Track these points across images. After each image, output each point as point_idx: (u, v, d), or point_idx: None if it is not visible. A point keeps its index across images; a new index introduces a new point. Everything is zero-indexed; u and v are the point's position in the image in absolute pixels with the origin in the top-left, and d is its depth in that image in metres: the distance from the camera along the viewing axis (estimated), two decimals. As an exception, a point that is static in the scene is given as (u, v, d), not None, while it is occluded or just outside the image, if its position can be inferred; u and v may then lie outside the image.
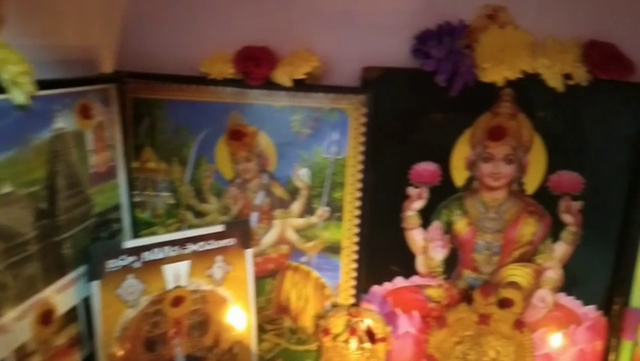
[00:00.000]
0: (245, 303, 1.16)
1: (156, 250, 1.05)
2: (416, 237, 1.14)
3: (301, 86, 1.08)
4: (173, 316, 1.08)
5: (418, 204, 1.13)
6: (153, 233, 1.17)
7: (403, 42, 1.07)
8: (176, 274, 1.07)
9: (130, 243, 1.02)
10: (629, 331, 1.06)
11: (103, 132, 1.04)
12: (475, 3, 1.06)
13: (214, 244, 1.11)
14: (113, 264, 1.00)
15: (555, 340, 1.13)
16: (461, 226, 1.12)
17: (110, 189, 1.08)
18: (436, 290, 1.16)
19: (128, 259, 1.02)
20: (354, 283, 1.17)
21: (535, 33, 1.04)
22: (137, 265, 1.03)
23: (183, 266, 1.08)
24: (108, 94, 1.06)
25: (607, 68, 1.01)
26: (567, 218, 1.09)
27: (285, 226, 1.16)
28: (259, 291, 1.19)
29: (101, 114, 1.03)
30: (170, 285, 1.07)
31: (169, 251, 1.06)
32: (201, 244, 1.09)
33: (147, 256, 1.04)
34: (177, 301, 1.08)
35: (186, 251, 1.08)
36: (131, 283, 1.02)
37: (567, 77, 1.02)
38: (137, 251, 1.03)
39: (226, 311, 1.14)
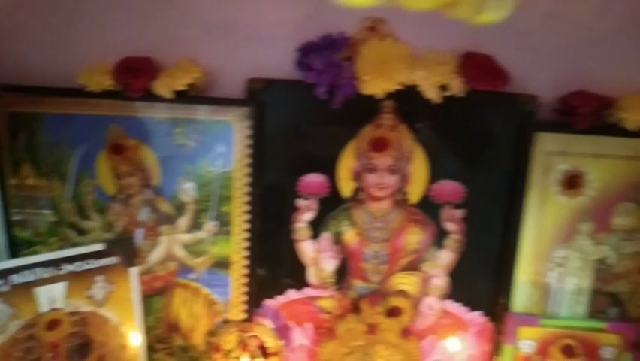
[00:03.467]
0: (132, 323, 1.11)
1: (26, 272, 0.99)
2: (307, 248, 1.14)
3: (183, 97, 1.05)
4: (49, 340, 1.02)
5: (308, 215, 1.12)
6: (35, 253, 1.10)
7: (287, 54, 1.07)
8: (51, 296, 1.02)
9: (-4, 265, 0.96)
10: (510, 335, 1.09)
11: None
12: (357, 15, 1.07)
13: (93, 264, 1.06)
14: (-25, 289, 0.94)
15: (444, 346, 1.15)
16: (350, 236, 1.13)
17: (-19, 209, 1.02)
18: (328, 301, 1.16)
19: (-8, 283, 0.95)
20: (245, 298, 1.15)
21: (415, 45, 1.06)
22: (4, 288, 0.97)
23: (59, 288, 1.02)
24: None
25: (482, 79, 1.04)
26: (450, 226, 1.11)
27: (172, 242, 1.13)
28: (148, 310, 1.14)
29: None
30: (44, 308, 1.01)
31: (41, 273, 1.00)
32: (79, 264, 1.04)
33: (16, 278, 0.98)
34: (53, 324, 1.02)
35: (62, 272, 1.02)
36: (-3, 307, 0.96)
37: (444, 88, 1.04)
38: (3, 274, 0.96)
39: (110, 332, 1.09)
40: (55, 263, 1.02)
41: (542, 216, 1.07)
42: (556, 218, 1.07)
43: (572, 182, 1.06)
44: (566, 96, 1.04)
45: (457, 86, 1.04)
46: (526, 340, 1.09)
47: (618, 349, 1.08)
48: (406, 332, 1.13)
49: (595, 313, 1.12)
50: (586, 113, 1.02)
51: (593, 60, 1.06)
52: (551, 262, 1.10)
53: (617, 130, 1.03)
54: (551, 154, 1.05)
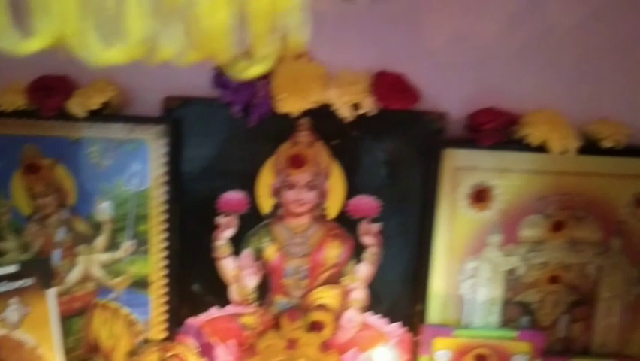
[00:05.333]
0: (49, 345, 1.09)
1: None
2: (228, 266, 1.14)
3: (98, 116, 1.05)
4: (-43, 367, 1.00)
5: (228, 232, 1.13)
6: (-52, 276, 1.07)
7: (204, 72, 1.08)
8: (-41, 320, 0.99)
9: None
10: (425, 346, 1.12)
11: None
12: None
13: (6, 286, 1.04)
14: None
15: (365, 359, 1.17)
16: (270, 252, 1.14)
17: None
18: (251, 318, 1.16)
19: None
20: (165, 317, 1.14)
21: (329, 65, 1.09)
22: None
23: (-33, 312, 1.00)
24: None
25: (393, 98, 1.07)
26: (367, 240, 1.14)
27: (90, 262, 1.12)
28: (67, 331, 1.13)
29: None
30: (-49, 333, 0.99)
31: (-50, 296, 0.98)
32: (-9, 286, 1.02)
33: None
34: (-39, 350, 1.00)
35: (-30, 295, 1.00)
36: None
37: (357, 106, 1.07)
38: None
39: (25, 356, 1.07)
40: (-37, 287, 0.99)
41: (453, 229, 1.11)
42: (466, 231, 1.11)
43: (480, 196, 1.10)
44: (473, 113, 1.08)
45: (368, 105, 1.07)
46: (442, 350, 1.11)
47: (529, 356, 1.11)
48: (326, 346, 1.15)
49: (507, 322, 1.15)
50: (492, 130, 1.06)
51: (499, 78, 1.11)
52: (463, 273, 1.13)
53: (522, 145, 1.07)
54: (460, 169, 1.09)
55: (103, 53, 0.40)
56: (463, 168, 1.09)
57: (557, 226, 1.11)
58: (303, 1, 0.45)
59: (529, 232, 1.11)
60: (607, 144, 1.07)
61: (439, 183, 1.09)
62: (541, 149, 1.06)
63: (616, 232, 1.13)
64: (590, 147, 1.07)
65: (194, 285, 1.15)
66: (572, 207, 1.11)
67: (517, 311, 1.15)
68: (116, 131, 1.07)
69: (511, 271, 1.13)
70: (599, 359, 1.17)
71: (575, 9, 1.08)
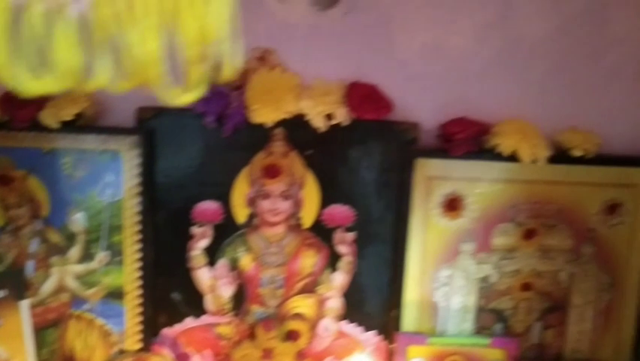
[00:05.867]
0: (23, 357, 1.09)
1: None
2: (203, 276, 1.14)
3: (71, 127, 1.05)
4: None
5: (203, 242, 1.13)
6: None
7: (178, 83, 1.08)
8: None
9: None
10: (400, 354, 1.13)
11: None
12: (246, 45, 1.09)
13: (-22, 298, 1.03)
14: None
15: (341, 367, 1.17)
16: (246, 262, 1.14)
17: None
18: (227, 327, 1.16)
19: None
20: (141, 327, 1.14)
21: (303, 75, 1.10)
22: None
23: (-63, 325, 0.99)
24: None
25: (366, 108, 1.08)
26: (342, 249, 1.14)
27: (64, 273, 1.11)
28: (41, 343, 1.12)
29: None
30: None
31: None
32: (-40, 299, 1.01)
33: None
34: None
35: (-60, 308, 0.99)
36: None
37: (330, 117, 1.08)
38: None
39: (-2, 369, 1.06)
40: None
41: (426, 238, 1.12)
42: (439, 239, 1.12)
43: (452, 205, 1.11)
44: (445, 123, 1.09)
45: (342, 115, 1.07)
46: (416, 358, 1.12)
47: (502, 363, 1.13)
48: (302, 355, 1.15)
49: (481, 329, 1.17)
50: (463, 140, 1.07)
51: (470, 88, 1.12)
52: (437, 281, 1.14)
53: (493, 155, 1.08)
54: (432, 179, 1.10)
55: (32, 84, 0.40)
56: (435, 178, 1.10)
57: (529, 234, 1.13)
58: (235, 31, 0.46)
59: (501, 240, 1.13)
60: (577, 152, 1.09)
61: (412, 192, 1.10)
62: (512, 158, 1.08)
63: (586, 240, 1.14)
64: (561, 155, 1.09)
65: (173, 293, 1.15)
66: (543, 216, 1.12)
67: (490, 318, 1.17)
68: (90, 142, 1.07)
69: (484, 279, 1.15)
70: (571, 365, 1.19)
71: (544, 20, 1.10)
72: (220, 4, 0.41)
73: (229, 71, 0.47)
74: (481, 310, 1.16)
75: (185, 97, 0.46)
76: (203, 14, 0.41)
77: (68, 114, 1.04)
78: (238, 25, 0.46)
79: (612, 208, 1.13)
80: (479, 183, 1.10)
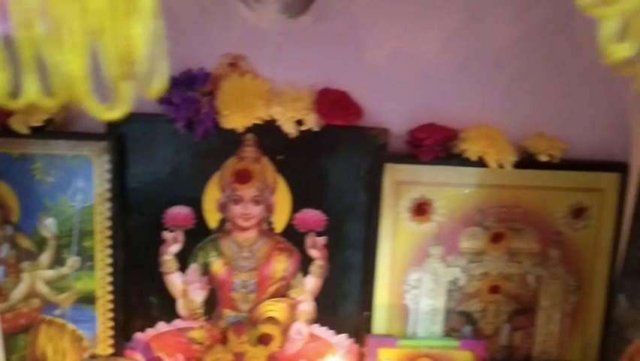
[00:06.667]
0: (-7, 364, 1.08)
1: None
2: (175, 280, 1.15)
3: (41, 132, 1.05)
4: None
5: (174, 247, 1.14)
6: None
7: (150, 89, 1.08)
8: None
9: None
10: (371, 357, 1.14)
11: None
12: (217, 51, 1.11)
13: (-54, 304, 1.03)
14: None
15: (313, 370, 1.18)
16: (218, 266, 1.15)
17: None
18: (199, 332, 1.17)
19: None
20: (112, 332, 1.14)
21: (274, 81, 1.11)
22: None
23: None
24: None
25: (336, 114, 1.10)
26: (314, 253, 1.15)
27: (35, 279, 1.11)
28: (11, 348, 1.12)
29: None
30: None
31: None
32: None
33: None
34: None
35: None
36: None
37: (301, 122, 1.09)
38: None
39: (-33, 375, 1.06)
40: None
41: (396, 242, 1.13)
42: (408, 243, 1.14)
43: (421, 209, 1.12)
44: (414, 129, 1.11)
45: (312, 121, 1.09)
46: (387, 360, 1.14)
47: (471, 365, 1.15)
48: (274, 359, 1.16)
49: (451, 331, 1.18)
50: (431, 145, 1.09)
51: (439, 94, 1.14)
52: (407, 284, 1.16)
53: (461, 160, 1.10)
54: (401, 183, 1.11)
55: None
56: (404, 182, 1.12)
57: (496, 238, 1.15)
58: (160, 48, 0.47)
59: (469, 243, 1.15)
60: (543, 158, 1.11)
61: (381, 196, 1.11)
62: (479, 163, 1.10)
63: (553, 243, 1.16)
64: (527, 160, 1.11)
65: (151, 298, 1.15)
66: (510, 220, 1.14)
67: (460, 321, 1.19)
68: (60, 147, 1.07)
69: (453, 282, 1.16)
70: (540, 366, 1.21)
71: (511, 27, 1.12)
72: (144, 23, 0.42)
73: (156, 88, 0.48)
74: (450, 313, 1.18)
75: (112, 113, 0.47)
76: (128, 33, 0.42)
77: (38, 120, 1.04)
78: (164, 43, 0.47)
79: (578, 212, 1.15)
80: (447, 187, 1.12)
